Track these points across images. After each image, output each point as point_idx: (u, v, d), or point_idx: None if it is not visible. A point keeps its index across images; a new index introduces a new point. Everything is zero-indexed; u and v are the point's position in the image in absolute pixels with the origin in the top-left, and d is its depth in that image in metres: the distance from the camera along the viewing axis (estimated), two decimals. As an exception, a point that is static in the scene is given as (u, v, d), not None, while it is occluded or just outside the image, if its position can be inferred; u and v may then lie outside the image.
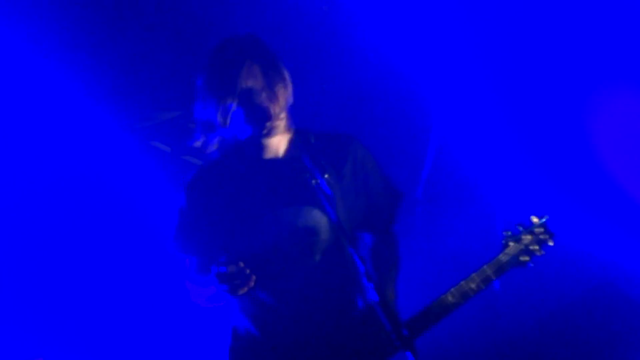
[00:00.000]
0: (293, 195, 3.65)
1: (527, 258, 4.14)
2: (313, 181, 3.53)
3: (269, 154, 3.76)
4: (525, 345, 6.12)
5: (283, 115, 3.67)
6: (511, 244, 4.15)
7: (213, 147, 3.74)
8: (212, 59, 3.70)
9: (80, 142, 5.83)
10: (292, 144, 3.74)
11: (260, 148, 3.75)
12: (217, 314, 5.53)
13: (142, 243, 5.84)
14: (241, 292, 3.48)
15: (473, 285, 4.09)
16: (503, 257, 4.12)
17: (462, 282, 4.09)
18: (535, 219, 4.18)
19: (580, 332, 5.99)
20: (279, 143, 3.74)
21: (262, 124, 3.64)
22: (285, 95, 3.66)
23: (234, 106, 3.60)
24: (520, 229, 4.18)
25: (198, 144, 3.73)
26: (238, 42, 3.70)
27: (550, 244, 4.14)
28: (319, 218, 3.67)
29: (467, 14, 6.20)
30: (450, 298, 4.08)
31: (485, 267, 4.12)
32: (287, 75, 3.68)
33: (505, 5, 6.17)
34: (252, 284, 3.48)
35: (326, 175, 3.56)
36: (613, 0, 6.04)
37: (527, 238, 4.15)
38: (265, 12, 6.05)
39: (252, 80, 3.61)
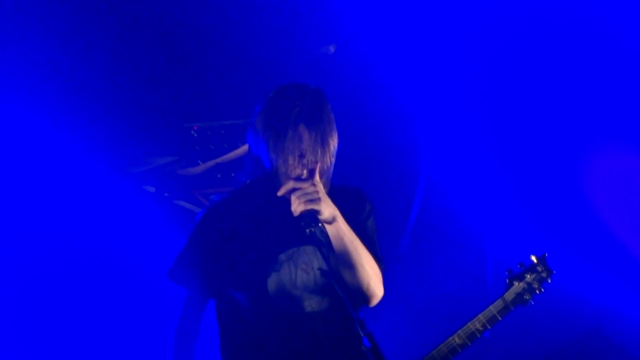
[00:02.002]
0: (308, 236, 3.57)
1: (528, 296, 4.25)
2: (307, 230, 3.48)
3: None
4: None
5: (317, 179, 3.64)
6: (515, 283, 4.29)
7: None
8: (273, 107, 3.71)
9: (73, 186, 5.80)
10: None
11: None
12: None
13: (134, 285, 5.84)
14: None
15: (479, 325, 4.17)
16: (508, 296, 4.19)
17: (469, 323, 4.18)
18: (534, 257, 4.29)
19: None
20: None
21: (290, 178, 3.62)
22: (325, 164, 3.65)
23: (278, 161, 3.62)
24: (521, 267, 4.29)
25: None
26: (301, 98, 3.70)
27: (549, 281, 4.28)
28: (315, 262, 3.66)
29: (459, 54, 6.24)
30: (457, 340, 4.16)
31: (490, 307, 4.22)
32: (333, 146, 3.69)
33: (504, 45, 6.20)
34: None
35: (320, 224, 3.50)
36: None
37: (529, 276, 4.25)
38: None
39: (301, 144, 3.62)
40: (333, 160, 3.71)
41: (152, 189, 6.02)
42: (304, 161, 3.61)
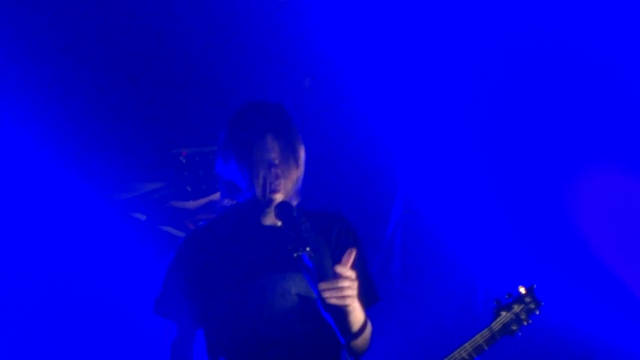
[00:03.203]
0: (285, 262, 3.61)
1: (515, 327, 4.21)
2: (295, 254, 3.47)
3: (268, 221, 3.74)
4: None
5: (292, 191, 3.70)
6: (502, 313, 4.22)
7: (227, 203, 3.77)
8: (238, 124, 3.73)
9: (59, 213, 5.80)
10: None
11: (262, 215, 3.74)
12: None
13: (120, 311, 5.82)
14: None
15: (465, 354, 4.14)
16: (495, 326, 4.23)
17: (455, 352, 4.15)
18: (522, 289, 4.26)
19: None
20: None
21: (269, 195, 3.66)
22: (296, 173, 3.69)
23: (250, 174, 3.65)
24: (509, 297, 4.25)
25: (227, 202, 3.76)
26: (265, 112, 3.73)
27: (537, 312, 4.25)
28: (303, 287, 3.65)
29: (440, 71, 6.27)
30: None
31: (477, 336, 4.18)
32: (302, 155, 3.74)
33: (485, 61, 6.24)
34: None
35: (307, 249, 3.48)
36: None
37: (516, 307, 4.22)
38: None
39: (271, 154, 3.66)
40: (302, 169, 3.74)
41: (142, 217, 6.01)
42: (277, 171, 3.65)
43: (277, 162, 3.65)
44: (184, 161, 6.09)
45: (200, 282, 3.70)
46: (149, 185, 6.05)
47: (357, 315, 3.53)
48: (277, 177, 3.65)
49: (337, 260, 3.59)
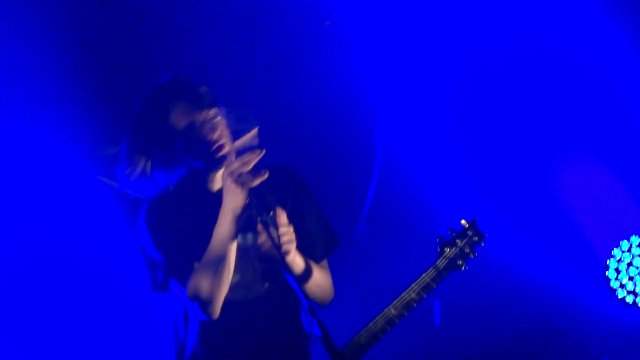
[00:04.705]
0: (244, 223, 3.66)
1: (461, 262, 4.18)
2: (258, 218, 3.57)
3: (217, 186, 3.79)
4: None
5: (228, 146, 3.70)
6: (447, 249, 4.19)
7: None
8: (142, 110, 3.79)
9: (26, 175, 5.82)
10: None
11: (207, 181, 3.79)
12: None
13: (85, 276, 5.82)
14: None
15: (414, 295, 4.12)
16: (440, 263, 4.20)
17: (403, 293, 4.13)
18: (464, 222, 4.23)
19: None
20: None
21: (208, 156, 3.69)
22: (224, 125, 3.70)
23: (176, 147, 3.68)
24: (452, 233, 4.22)
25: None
26: (161, 87, 3.78)
27: (482, 244, 4.22)
28: (253, 249, 3.74)
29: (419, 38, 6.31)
30: (392, 311, 4.11)
31: (424, 275, 4.16)
32: (221, 107, 3.74)
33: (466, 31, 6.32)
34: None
35: (271, 213, 3.57)
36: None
37: (460, 241, 4.20)
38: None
39: (186, 117, 3.67)
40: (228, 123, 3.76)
41: (113, 183, 6.01)
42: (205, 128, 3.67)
43: (198, 122, 3.67)
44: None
45: (171, 253, 3.76)
46: (113, 149, 6.06)
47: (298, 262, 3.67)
48: (207, 134, 3.67)
49: (290, 215, 3.69)
